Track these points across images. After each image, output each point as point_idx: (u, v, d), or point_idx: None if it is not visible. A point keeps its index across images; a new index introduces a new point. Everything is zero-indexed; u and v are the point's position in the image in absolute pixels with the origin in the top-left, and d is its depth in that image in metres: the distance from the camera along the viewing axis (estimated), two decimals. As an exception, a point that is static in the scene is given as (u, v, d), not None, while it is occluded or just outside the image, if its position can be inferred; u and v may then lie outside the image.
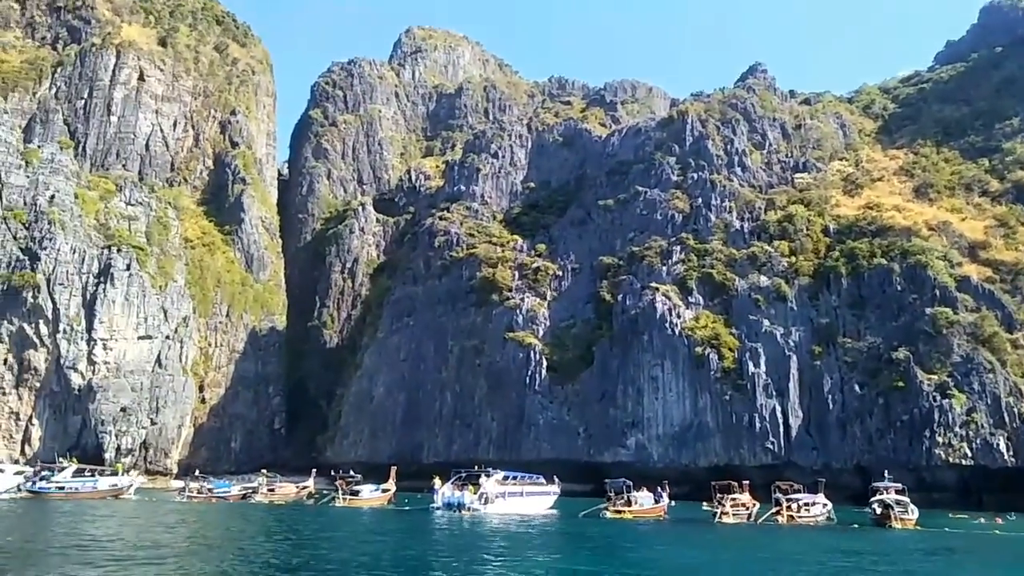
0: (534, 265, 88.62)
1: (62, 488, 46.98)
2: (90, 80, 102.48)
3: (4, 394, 70.51)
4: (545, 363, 79.31)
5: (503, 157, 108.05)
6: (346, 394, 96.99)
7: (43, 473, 49.43)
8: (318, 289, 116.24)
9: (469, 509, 39.58)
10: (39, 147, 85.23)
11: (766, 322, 70.21)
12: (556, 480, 48.78)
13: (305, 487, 55.66)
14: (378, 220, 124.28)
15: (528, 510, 42.11)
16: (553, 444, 74.71)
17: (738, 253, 76.94)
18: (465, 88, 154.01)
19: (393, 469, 51.93)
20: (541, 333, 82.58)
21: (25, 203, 77.55)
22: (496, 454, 75.38)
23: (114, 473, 53.37)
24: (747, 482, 42.94)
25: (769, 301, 71.65)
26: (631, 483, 42.97)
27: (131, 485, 49.95)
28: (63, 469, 49.80)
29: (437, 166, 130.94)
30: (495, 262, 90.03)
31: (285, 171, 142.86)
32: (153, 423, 75.56)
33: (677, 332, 72.42)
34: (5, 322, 71.71)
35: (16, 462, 64.33)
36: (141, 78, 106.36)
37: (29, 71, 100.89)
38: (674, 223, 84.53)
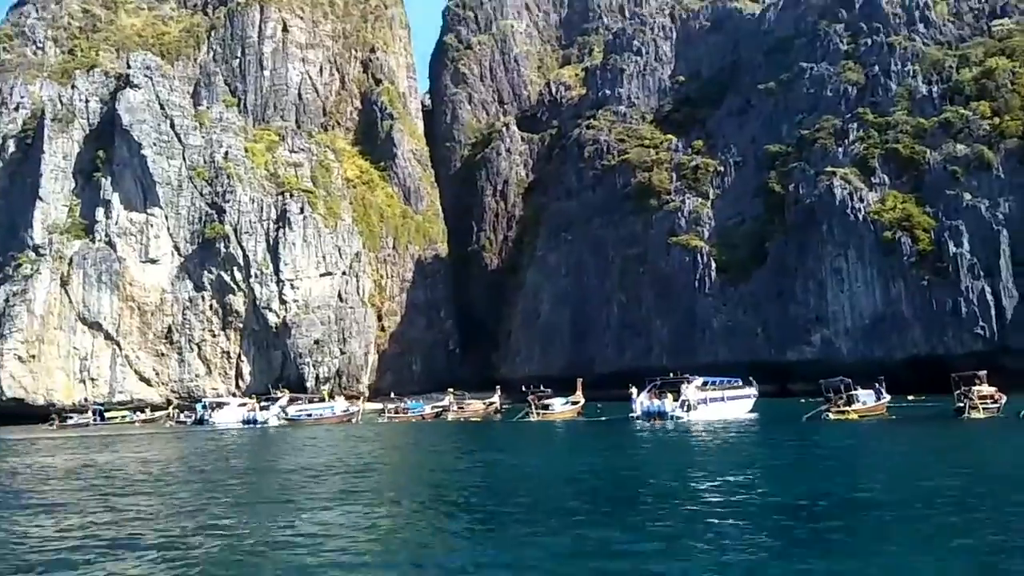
0: (692, 164, 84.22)
1: (311, 415, 53.94)
2: (241, 39, 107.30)
3: (214, 336, 78.35)
4: (714, 265, 76.10)
5: (647, 53, 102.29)
6: (512, 313, 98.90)
7: (264, 403, 55.04)
8: (473, 214, 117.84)
9: (671, 417, 38.86)
10: (208, 108, 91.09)
11: (967, 196, 62.67)
12: (753, 382, 46.85)
13: (492, 403, 57.44)
14: (523, 138, 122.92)
15: (730, 415, 40.84)
16: (730, 346, 72.23)
17: (927, 122, 68.61)
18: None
19: (580, 381, 52.21)
20: (707, 234, 79.03)
21: (204, 161, 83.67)
22: (669, 360, 74.00)
23: (321, 399, 58.56)
24: (984, 372, 38.21)
25: (969, 172, 63.72)
26: (849, 380, 39.84)
27: (359, 410, 55.43)
28: (278, 398, 55.13)
29: (576, 74, 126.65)
30: (650, 165, 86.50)
31: (427, 101, 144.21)
32: (343, 352, 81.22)
33: (861, 218, 66.47)
34: (206, 272, 78.93)
35: (234, 395, 71.81)
36: (285, 29, 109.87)
37: (188, 39, 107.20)
38: (847, 98, 76.61)
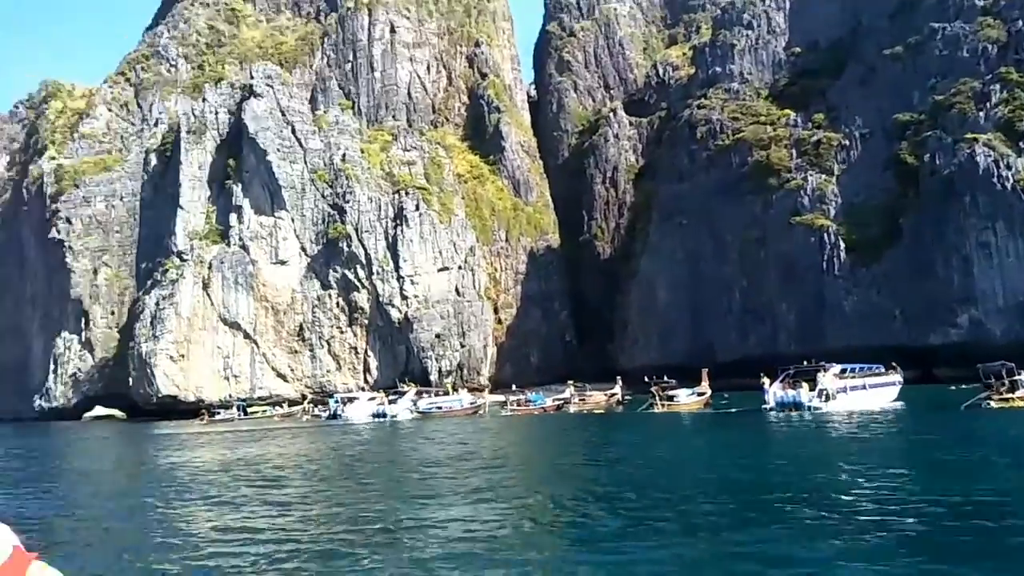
0: (813, 139, 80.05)
1: (440, 408, 55.77)
2: (352, 43, 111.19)
3: (342, 332, 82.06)
4: (842, 244, 72.14)
5: (759, 26, 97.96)
6: (628, 301, 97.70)
7: (392, 397, 57.09)
8: (583, 203, 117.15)
9: (808, 408, 37.18)
10: (325, 112, 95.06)
11: None
12: (896, 368, 44.02)
13: (613, 394, 56.97)
14: (631, 123, 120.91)
15: (874, 404, 38.56)
16: (862, 330, 68.28)
17: (1084, 77, 62.10)
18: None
19: (704, 371, 50.88)
20: (832, 212, 74.99)
21: (324, 164, 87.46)
22: (797, 346, 70.91)
23: (446, 393, 60.17)
24: None
25: None
26: (1012, 365, 36.65)
27: (484, 403, 56.75)
28: (406, 392, 56.92)
29: (684, 54, 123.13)
30: (767, 143, 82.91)
31: (533, 92, 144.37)
32: (463, 346, 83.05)
33: (1009, 186, 61.10)
34: (331, 271, 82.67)
35: (363, 389, 74.92)
36: (392, 30, 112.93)
37: (303, 46, 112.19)
38: (987, 58, 70.46)
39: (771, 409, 38.96)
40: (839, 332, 69.67)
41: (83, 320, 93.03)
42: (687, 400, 47.57)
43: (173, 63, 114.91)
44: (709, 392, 49.47)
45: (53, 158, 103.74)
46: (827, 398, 37.40)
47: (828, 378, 38.41)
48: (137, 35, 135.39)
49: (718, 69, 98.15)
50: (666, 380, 50.64)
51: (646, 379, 50.57)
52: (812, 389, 38.29)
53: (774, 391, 39.86)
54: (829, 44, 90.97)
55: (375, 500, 16.86)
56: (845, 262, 71.28)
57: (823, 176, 77.54)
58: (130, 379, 78.28)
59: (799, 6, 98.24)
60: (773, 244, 78.13)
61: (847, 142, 78.08)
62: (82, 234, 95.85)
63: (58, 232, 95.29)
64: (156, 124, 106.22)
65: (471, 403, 57.93)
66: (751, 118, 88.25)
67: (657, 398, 46.79)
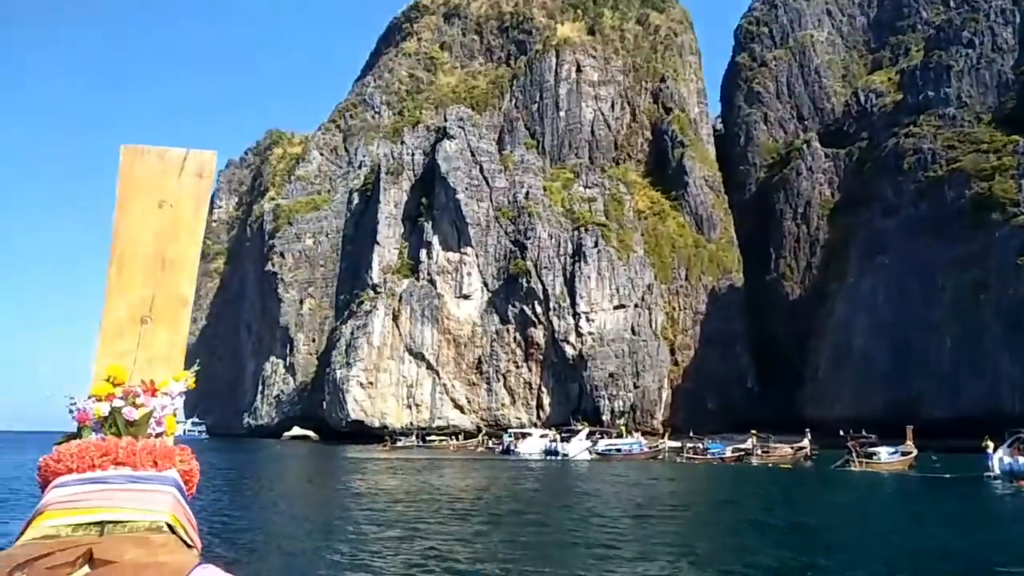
0: (1049, 169, 70.18)
1: (620, 450, 55.56)
2: (539, 84, 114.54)
3: (518, 367, 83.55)
4: (1084, 290, 62.22)
5: (981, 44, 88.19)
6: (820, 346, 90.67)
7: (564, 435, 57.12)
8: (771, 240, 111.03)
9: None
10: (511, 152, 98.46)
11: None
12: None
13: (801, 448, 52.69)
14: (827, 155, 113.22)
15: None
16: (1112, 393, 58.09)
17: None
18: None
19: (910, 428, 45.64)
20: (1072, 253, 65.00)
21: (508, 202, 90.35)
22: (1022, 407, 61.84)
23: (619, 435, 59.28)
24: None
25: None
26: None
27: (664, 448, 55.51)
28: (579, 431, 56.71)
29: (890, 79, 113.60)
30: (989, 173, 73.93)
31: (719, 125, 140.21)
32: (636, 386, 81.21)
33: None
34: (510, 306, 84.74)
35: (535, 425, 75.53)
36: (578, 70, 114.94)
37: (493, 90, 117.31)
38: None
39: (996, 478, 34.02)
40: (1080, 393, 59.74)
41: (288, 346, 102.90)
42: (889, 459, 42.80)
43: (377, 110, 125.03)
44: (915, 452, 44.17)
45: (272, 199, 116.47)
46: None
47: None
48: (348, 86, 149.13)
49: (931, 93, 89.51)
50: (864, 435, 45.93)
51: (842, 433, 46.11)
52: None
53: (1000, 457, 34.77)
54: (1069, 61, 79.93)
55: (552, 545, 16.55)
56: (1088, 311, 61.28)
57: (1060, 211, 67.61)
58: (324, 403, 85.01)
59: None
60: (996, 288, 69.06)
61: (1092, 172, 67.63)
62: (292, 267, 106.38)
63: (272, 265, 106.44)
64: (360, 166, 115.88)
65: (651, 447, 56.73)
66: (970, 146, 79.29)
67: (854, 455, 42.52)
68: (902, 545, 18.25)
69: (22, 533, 1.38)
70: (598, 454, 55.47)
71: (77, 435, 1.58)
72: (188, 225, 1.88)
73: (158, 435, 1.64)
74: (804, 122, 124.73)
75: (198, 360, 2.16)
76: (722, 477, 40.27)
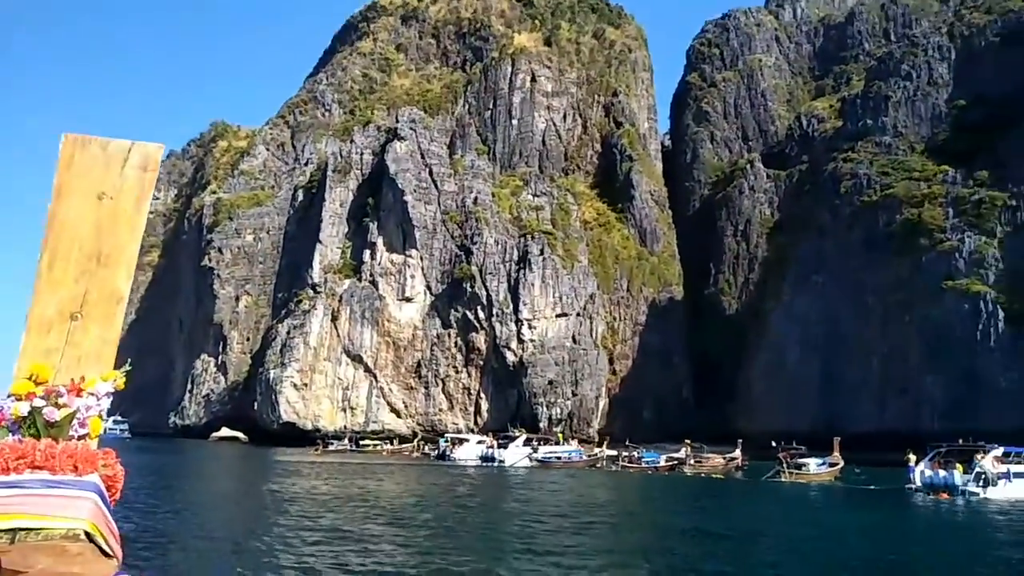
0: (974, 197, 73.34)
1: (559, 457, 55.72)
2: (493, 91, 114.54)
3: (457, 371, 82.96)
4: (1001, 313, 65.03)
5: (918, 77, 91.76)
6: (753, 361, 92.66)
7: (501, 442, 56.86)
8: (711, 255, 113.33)
9: (963, 493, 33.11)
10: (462, 156, 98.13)
11: None
12: None
13: (733, 459, 53.50)
14: (769, 176, 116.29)
15: None
16: (1022, 411, 60.70)
17: None
18: (858, 12, 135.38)
19: (836, 441, 46.95)
20: (991, 279, 67.96)
21: (456, 206, 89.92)
22: (942, 424, 64.14)
23: (556, 442, 59.57)
24: None
25: None
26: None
27: (603, 456, 55.83)
28: (516, 437, 56.53)
29: (831, 106, 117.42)
30: (919, 200, 76.92)
31: (667, 141, 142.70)
32: (575, 394, 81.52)
33: None
34: (452, 310, 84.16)
35: (472, 431, 75.05)
36: (533, 79, 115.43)
37: (447, 94, 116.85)
38: None
39: (917, 490, 35.15)
40: (993, 412, 62.27)
41: (221, 344, 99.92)
42: (817, 470, 43.96)
43: (328, 108, 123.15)
44: (841, 463, 45.40)
45: (214, 192, 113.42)
46: (986, 483, 33.12)
47: (988, 460, 34.08)
48: (299, 82, 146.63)
49: (869, 122, 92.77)
50: (795, 447, 46.97)
51: (773, 444, 47.10)
52: (967, 471, 34.09)
53: (921, 470, 35.95)
54: (999, 97, 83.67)
55: (485, 552, 16.16)
56: (1004, 333, 64.19)
57: (983, 238, 70.67)
58: (255, 403, 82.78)
59: (966, 56, 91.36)
60: (921, 309, 71.75)
61: (1014, 202, 70.93)
62: (230, 263, 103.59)
63: (209, 260, 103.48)
64: (307, 164, 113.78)
65: (589, 456, 57.04)
66: (903, 173, 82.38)
67: (785, 465, 43.42)
68: (832, 553, 18.48)
69: None
70: (538, 461, 55.50)
71: None
72: (129, 219, 1.84)
73: (80, 437, 1.58)
74: (749, 143, 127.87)
75: (129, 360, 1.95)
76: (656, 486, 40.59)
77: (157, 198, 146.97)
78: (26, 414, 1.54)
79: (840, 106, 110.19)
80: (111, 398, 1.69)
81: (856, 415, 73.70)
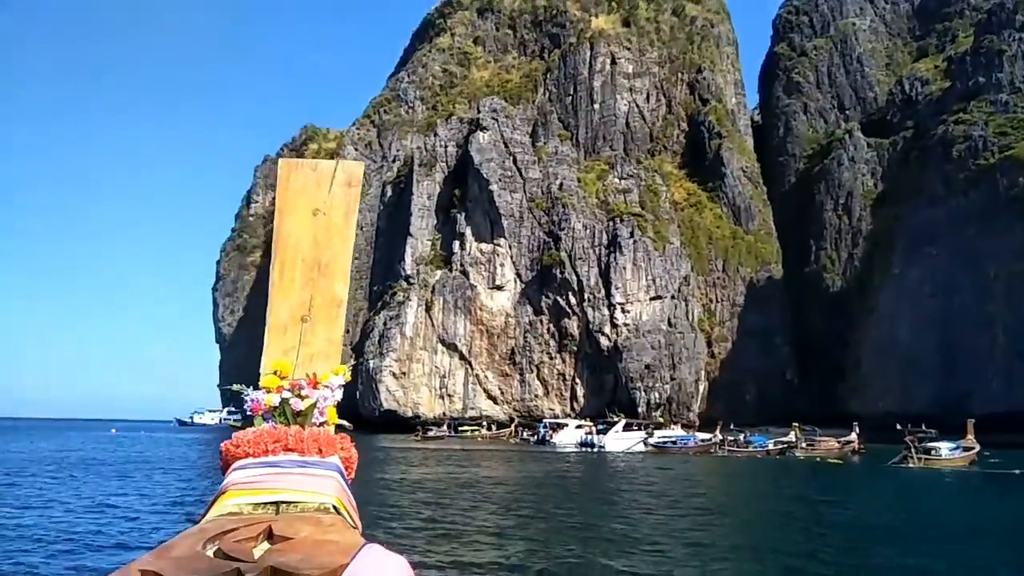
0: (1108, 154, 67.06)
1: (675, 443, 54.16)
2: (573, 77, 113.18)
3: (551, 358, 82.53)
4: None
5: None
6: (862, 339, 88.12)
7: (600, 426, 56.01)
8: (811, 232, 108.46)
9: None
10: (545, 143, 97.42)
11: None
12: None
13: (849, 442, 50.67)
14: (869, 145, 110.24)
15: None
16: None
17: None
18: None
19: (970, 422, 43.50)
20: None
21: (542, 193, 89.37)
22: (1081, 401, 59.19)
23: (657, 427, 58.03)
24: None
25: None
26: None
27: (716, 441, 54.05)
28: (615, 423, 55.49)
29: (936, 66, 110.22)
30: (1045, 161, 70.92)
31: (757, 116, 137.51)
32: (673, 379, 79.64)
33: None
34: (543, 297, 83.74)
35: (569, 416, 74.50)
36: (613, 62, 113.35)
37: (527, 83, 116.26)
38: None
39: None
40: None
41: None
42: (950, 455, 40.53)
43: (411, 105, 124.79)
44: (976, 448, 41.95)
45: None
46: None
47: None
48: (382, 82, 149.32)
49: (981, 79, 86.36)
50: (924, 429, 43.69)
51: (898, 426, 43.91)
52: None
53: None
54: None
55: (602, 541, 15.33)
56: None
57: (1121, 198, 64.51)
58: (357, 393, 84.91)
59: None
60: (1051, 278, 66.20)
61: None
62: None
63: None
64: (394, 160, 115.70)
65: (702, 441, 54.97)
66: None
67: (912, 450, 40.34)
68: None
69: (208, 510, 1.57)
70: (653, 446, 53.94)
71: (250, 423, 1.77)
72: (340, 231, 2.02)
73: (320, 424, 1.78)
74: (845, 112, 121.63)
75: (352, 356, 2.14)
76: (772, 472, 38.44)
77: (256, 201, 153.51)
78: (277, 404, 1.76)
79: (947, 66, 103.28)
80: (343, 390, 1.87)
81: (981, 394, 68.79)
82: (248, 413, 1.78)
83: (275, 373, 1.80)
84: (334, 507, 1.59)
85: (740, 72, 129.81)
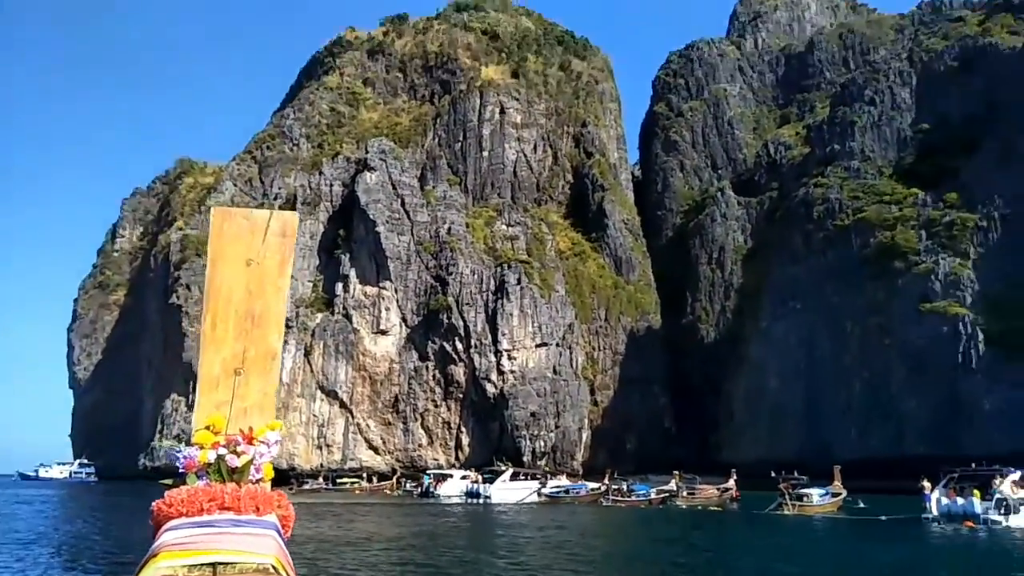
0: (946, 219, 74.30)
1: (567, 492, 53.51)
2: (463, 123, 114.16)
3: (436, 405, 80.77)
4: (980, 335, 65.33)
5: (881, 103, 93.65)
6: (734, 389, 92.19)
7: (487, 476, 54.60)
8: (687, 284, 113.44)
9: (984, 522, 31.64)
10: (433, 187, 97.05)
11: None
12: None
13: (727, 489, 52.06)
14: (740, 203, 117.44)
15: None
16: (1010, 435, 60.53)
17: None
18: (817, 41, 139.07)
19: (837, 469, 45.67)
20: (968, 300, 68.44)
21: (430, 236, 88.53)
22: (927, 448, 63.84)
23: (544, 476, 57.50)
24: None
25: None
26: None
27: (607, 489, 53.95)
28: (502, 472, 54.40)
29: (797, 133, 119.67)
30: (892, 223, 77.72)
31: (638, 171, 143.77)
32: (557, 427, 79.78)
33: None
34: (430, 342, 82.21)
35: (453, 466, 72.75)
36: (502, 111, 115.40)
37: (416, 127, 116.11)
38: None
39: (934, 519, 33.52)
40: (978, 435, 62.21)
41: (192, 383, 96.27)
42: (820, 501, 42.22)
43: (296, 142, 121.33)
44: (844, 493, 44.01)
45: (180, 229, 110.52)
46: (1007, 510, 31.56)
47: (1007, 486, 32.64)
48: (265, 118, 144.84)
49: (836, 147, 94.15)
50: (796, 477, 45.38)
51: (772, 474, 45.41)
52: (985, 498, 32.68)
53: (938, 498, 34.27)
54: (962, 120, 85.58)
55: None
56: (985, 355, 64.29)
57: (957, 260, 71.39)
58: (229, 442, 79.51)
59: (927, 81, 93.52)
60: (899, 333, 71.89)
61: (984, 223, 71.94)
62: (199, 300, 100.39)
63: (177, 298, 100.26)
64: (276, 198, 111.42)
65: (591, 490, 55.15)
66: (874, 197, 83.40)
67: (786, 497, 41.51)
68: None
69: (138, 572, 1.51)
70: (547, 496, 53.52)
71: (182, 481, 1.72)
72: (274, 282, 2.01)
73: (256, 481, 1.75)
74: (718, 171, 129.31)
75: (283, 413, 2.12)
76: (658, 521, 38.62)
77: (123, 236, 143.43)
78: (213, 461, 1.73)
79: (806, 133, 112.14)
80: (279, 446, 1.84)
81: (841, 443, 73.09)
82: (181, 471, 1.73)
83: (208, 428, 1.76)
84: (273, 567, 1.54)
85: (622, 128, 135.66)
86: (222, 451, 1.70)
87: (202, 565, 1.48)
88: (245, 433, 1.74)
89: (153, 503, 1.63)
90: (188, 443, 1.74)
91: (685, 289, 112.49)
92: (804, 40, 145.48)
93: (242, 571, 1.49)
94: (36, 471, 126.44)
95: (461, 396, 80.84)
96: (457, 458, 78.16)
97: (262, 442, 1.75)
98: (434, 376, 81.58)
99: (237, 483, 1.67)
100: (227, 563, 1.50)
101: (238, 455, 1.70)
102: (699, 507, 46.64)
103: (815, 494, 42.79)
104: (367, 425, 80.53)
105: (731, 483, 52.96)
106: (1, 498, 58.29)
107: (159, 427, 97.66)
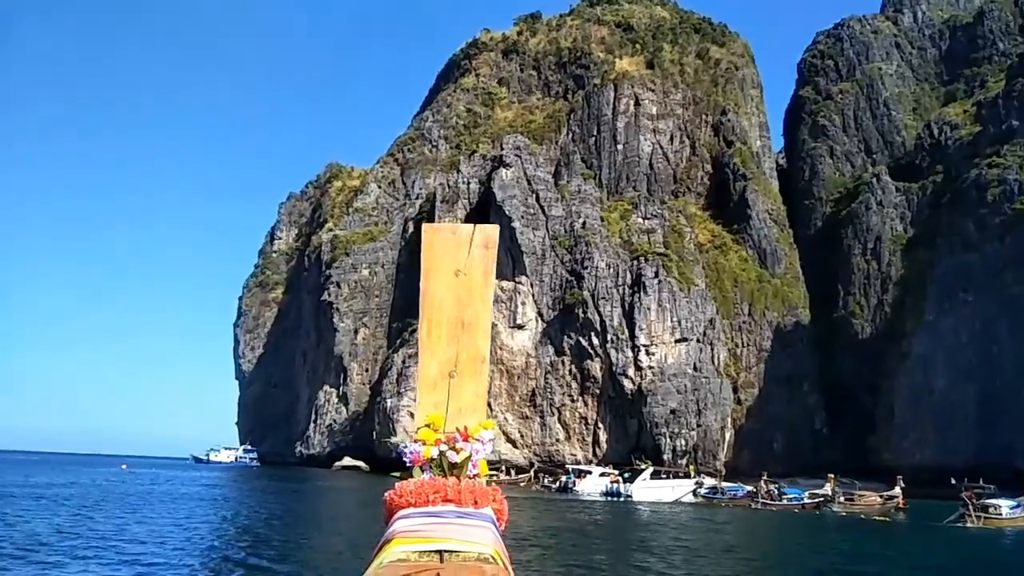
0: None
1: (723, 493, 51.98)
2: (597, 118, 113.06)
3: (573, 401, 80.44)
4: None
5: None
6: (894, 388, 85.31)
7: (626, 475, 53.78)
8: (839, 276, 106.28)
9: None
10: (568, 182, 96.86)
11: None
12: None
13: (892, 497, 47.64)
14: (898, 189, 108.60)
15: None
16: None
17: None
18: (988, 10, 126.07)
19: None
20: None
21: (565, 231, 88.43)
22: None
23: (687, 476, 55.90)
24: None
25: None
26: None
27: (770, 491, 51.68)
28: (643, 470, 53.31)
29: (965, 111, 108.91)
30: (1085, 206, 68.96)
31: (782, 160, 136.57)
32: (698, 425, 77.12)
33: None
34: (566, 337, 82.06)
35: (590, 462, 72.16)
36: (637, 103, 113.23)
37: (551, 123, 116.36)
38: None
39: None
40: None
41: (342, 375, 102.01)
42: (1011, 514, 37.71)
43: (435, 144, 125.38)
44: None
45: (331, 230, 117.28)
46: None
47: None
48: (406, 121, 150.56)
49: (1015, 123, 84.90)
50: (982, 485, 40.86)
51: (953, 481, 40.88)
52: None
53: None
54: None
55: None
56: None
57: None
58: (374, 432, 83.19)
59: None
60: (1096, 327, 63.65)
61: None
62: (348, 297, 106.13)
63: (328, 295, 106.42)
64: (417, 198, 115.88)
65: (748, 492, 52.83)
66: (1060, 177, 74.39)
67: (970, 508, 37.34)
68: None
69: (375, 556, 1.66)
70: (703, 498, 51.82)
71: (409, 474, 1.90)
72: (479, 291, 2.15)
73: (474, 476, 1.90)
74: (873, 156, 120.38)
75: (495, 412, 2.25)
76: (824, 530, 35.28)
77: (280, 238, 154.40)
78: (435, 456, 1.87)
79: (976, 110, 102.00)
80: (493, 444, 1.96)
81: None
82: (408, 464, 1.90)
83: (428, 426, 1.92)
84: (492, 557, 1.64)
85: (765, 115, 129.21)
86: (443, 447, 1.84)
87: (431, 552, 1.61)
88: (462, 431, 1.87)
89: (385, 493, 1.79)
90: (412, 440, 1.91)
91: (836, 282, 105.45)
92: (972, 10, 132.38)
93: (465, 559, 1.60)
94: (207, 455, 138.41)
95: (598, 391, 80.00)
96: (594, 454, 77.43)
97: (477, 440, 1.88)
98: (570, 371, 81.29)
99: (457, 477, 1.80)
100: (453, 551, 1.62)
101: (457, 451, 1.84)
102: (860, 515, 42.94)
103: (1004, 506, 38.04)
104: (505, 419, 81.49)
105: (897, 490, 48.15)
106: (186, 479, 62.07)
107: (313, 417, 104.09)
